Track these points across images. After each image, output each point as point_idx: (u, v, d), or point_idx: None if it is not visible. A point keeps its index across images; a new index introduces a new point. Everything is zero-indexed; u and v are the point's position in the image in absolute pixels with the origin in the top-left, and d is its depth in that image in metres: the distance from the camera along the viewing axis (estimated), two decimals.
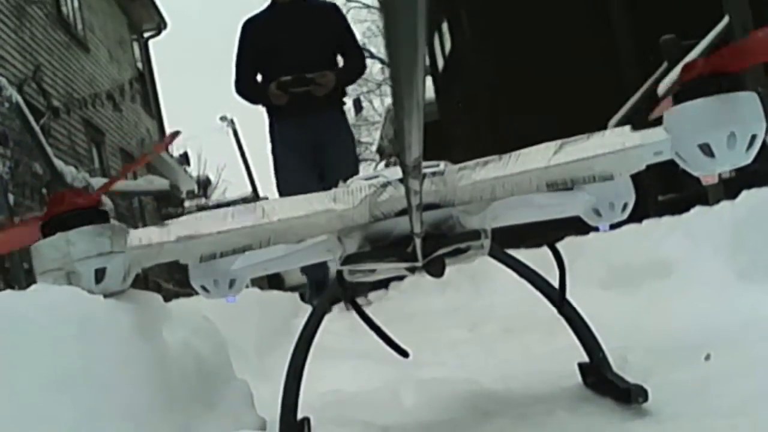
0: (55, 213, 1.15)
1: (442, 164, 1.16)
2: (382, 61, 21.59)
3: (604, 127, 1.31)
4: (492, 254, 1.34)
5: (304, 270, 4.10)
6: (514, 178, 1.15)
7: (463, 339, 2.46)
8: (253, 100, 4.29)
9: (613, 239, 2.50)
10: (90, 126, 11.20)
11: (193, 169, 15.38)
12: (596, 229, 1.38)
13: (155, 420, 1.06)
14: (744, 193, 2.11)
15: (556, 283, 1.42)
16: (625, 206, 1.31)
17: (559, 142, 1.18)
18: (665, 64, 4.69)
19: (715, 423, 1.14)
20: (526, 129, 3.94)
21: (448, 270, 1.18)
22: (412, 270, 1.19)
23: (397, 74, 0.55)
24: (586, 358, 1.48)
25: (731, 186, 3.06)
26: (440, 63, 12.71)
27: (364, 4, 23.25)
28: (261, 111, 4.32)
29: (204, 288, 1.32)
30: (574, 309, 1.46)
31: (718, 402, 1.22)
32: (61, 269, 1.12)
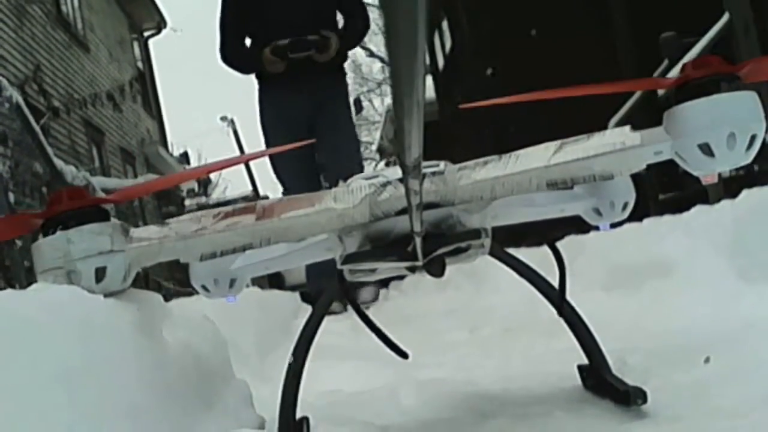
0: (55, 211, 1.15)
1: (442, 164, 1.16)
2: (382, 61, 21.58)
3: (605, 127, 1.31)
4: (492, 254, 1.34)
5: (311, 274, 3.81)
6: (514, 177, 1.15)
7: (462, 340, 2.46)
8: (241, 69, 3.68)
9: (614, 238, 2.49)
10: (90, 126, 11.21)
11: None
12: (597, 229, 1.38)
13: (155, 419, 1.06)
14: (744, 192, 2.11)
15: (556, 283, 1.42)
16: (625, 205, 1.31)
17: (559, 141, 1.18)
18: (665, 63, 4.69)
19: (715, 425, 1.14)
20: (526, 129, 3.95)
21: (448, 270, 1.18)
22: (413, 269, 1.19)
23: (397, 74, 0.55)
24: (585, 360, 1.48)
25: (732, 185, 3.06)
26: (440, 62, 12.71)
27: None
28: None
29: (204, 287, 1.32)
30: (574, 310, 1.46)
31: (718, 404, 1.22)
32: (61, 268, 1.12)
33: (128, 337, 1.09)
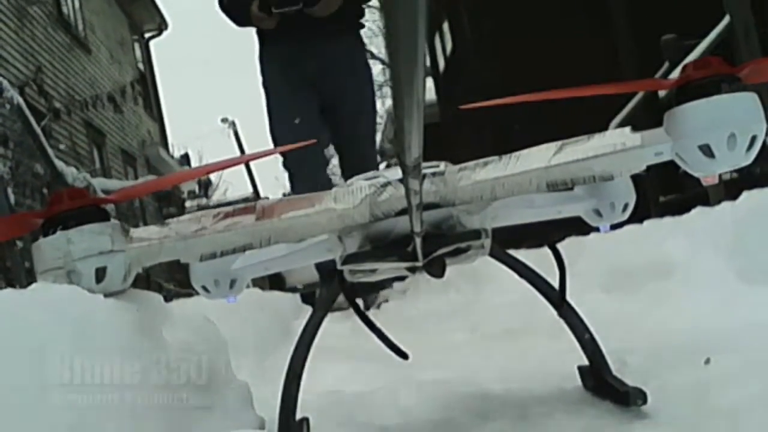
0: (55, 211, 1.15)
1: (442, 164, 1.16)
2: (383, 63, 21.56)
3: (605, 128, 1.31)
4: (492, 254, 1.34)
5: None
6: (514, 178, 1.15)
7: (463, 340, 2.46)
8: (235, 19, 3.27)
9: (614, 240, 2.49)
10: (91, 127, 11.22)
11: None
12: (597, 230, 1.38)
13: (155, 420, 1.06)
14: (745, 194, 2.11)
15: (556, 284, 1.42)
16: (625, 207, 1.31)
17: (559, 142, 1.18)
18: (666, 65, 4.69)
19: (715, 425, 1.14)
20: (527, 129, 3.95)
21: (448, 271, 1.18)
22: (413, 270, 1.19)
23: (397, 75, 0.56)
24: (585, 361, 1.48)
25: (732, 187, 3.06)
26: (441, 64, 12.71)
27: None
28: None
29: (205, 288, 1.32)
30: (574, 311, 1.46)
31: (718, 404, 1.22)
32: (61, 268, 1.12)
33: (128, 337, 1.09)
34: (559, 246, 1.42)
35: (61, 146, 9.16)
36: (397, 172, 1.11)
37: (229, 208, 1.21)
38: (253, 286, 3.44)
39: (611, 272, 2.50)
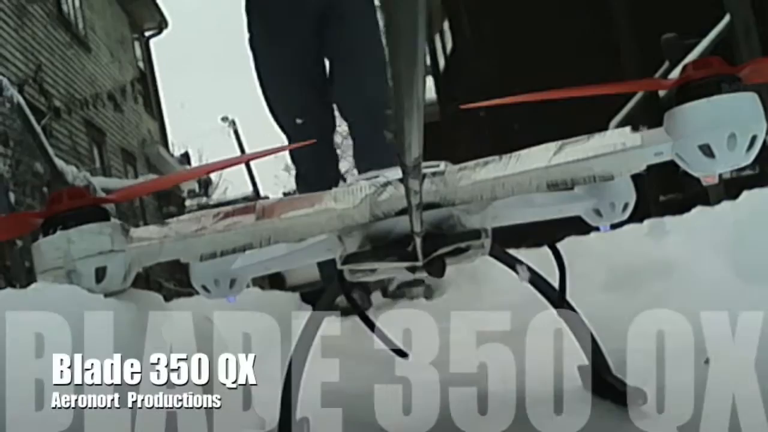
0: (55, 211, 1.15)
1: (442, 164, 1.16)
2: None
3: (605, 128, 1.31)
4: (492, 254, 1.34)
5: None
6: (514, 178, 1.15)
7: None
8: None
9: (614, 239, 2.49)
10: (91, 126, 11.22)
11: None
12: (597, 229, 1.38)
13: (155, 420, 1.06)
14: (745, 194, 2.10)
15: (556, 284, 1.42)
16: (625, 206, 1.31)
17: (559, 142, 1.18)
18: (666, 64, 4.69)
19: (714, 426, 1.14)
20: (527, 129, 3.95)
21: (448, 271, 1.18)
22: (413, 269, 1.19)
23: (397, 74, 0.56)
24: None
25: (732, 186, 3.06)
26: (441, 63, 12.71)
27: None
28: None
29: (205, 288, 1.32)
30: (574, 310, 1.46)
31: (718, 405, 1.22)
32: (61, 268, 1.12)
33: (128, 337, 1.09)
34: (559, 245, 1.42)
35: (61, 145, 9.17)
36: (397, 172, 1.11)
37: (229, 208, 1.21)
38: (253, 285, 3.43)
39: (611, 271, 2.49)
